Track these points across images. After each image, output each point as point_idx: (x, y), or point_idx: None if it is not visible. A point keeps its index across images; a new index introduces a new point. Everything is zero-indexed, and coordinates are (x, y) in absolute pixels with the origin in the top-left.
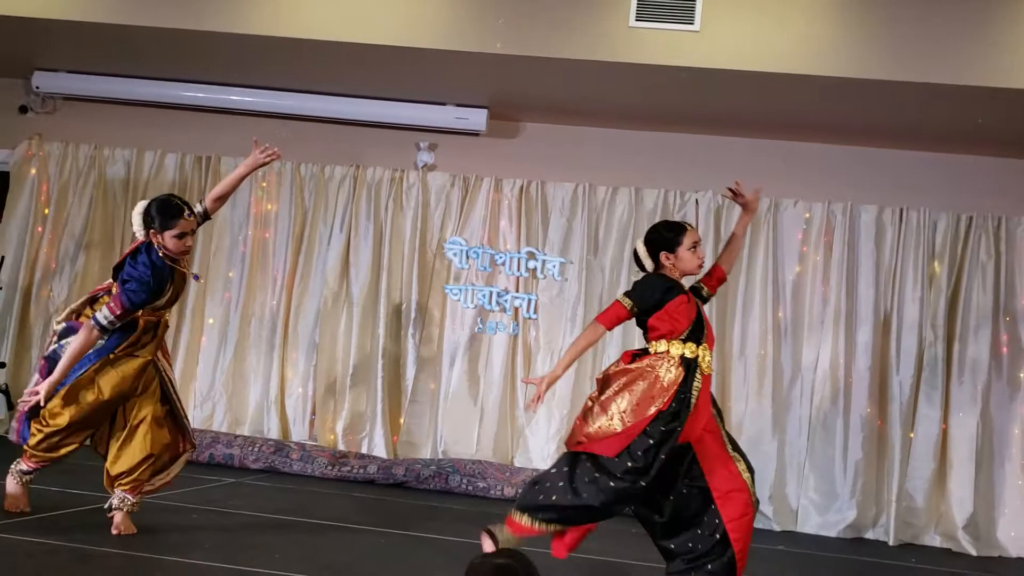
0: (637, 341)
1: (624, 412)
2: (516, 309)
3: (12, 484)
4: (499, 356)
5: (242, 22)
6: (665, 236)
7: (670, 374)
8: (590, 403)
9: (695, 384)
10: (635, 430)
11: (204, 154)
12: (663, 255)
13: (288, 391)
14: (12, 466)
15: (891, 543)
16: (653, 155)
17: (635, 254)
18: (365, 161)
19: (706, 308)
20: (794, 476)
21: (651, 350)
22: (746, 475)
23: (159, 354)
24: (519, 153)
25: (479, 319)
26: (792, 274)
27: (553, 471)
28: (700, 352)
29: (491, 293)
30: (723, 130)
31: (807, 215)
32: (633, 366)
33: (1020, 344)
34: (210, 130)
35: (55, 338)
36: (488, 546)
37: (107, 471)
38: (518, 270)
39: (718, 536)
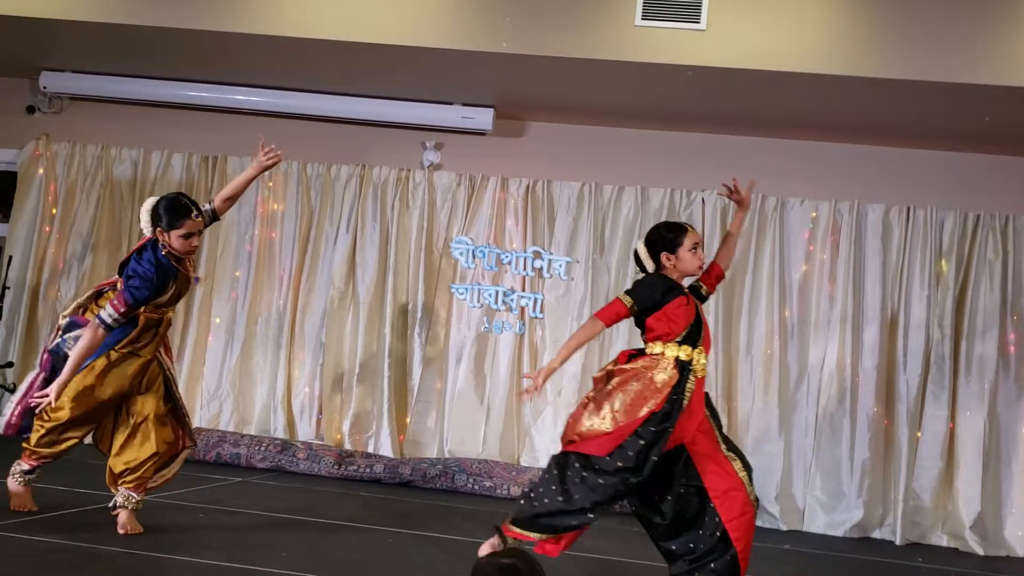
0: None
1: (616, 412)
2: (522, 308)
3: (14, 484)
4: (505, 355)
5: (249, 22)
6: (666, 237)
7: (664, 376)
8: (587, 401)
9: (688, 386)
10: (626, 431)
11: (211, 154)
12: (663, 256)
13: (294, 390)
14: (13, 467)
15: (898, 543)
16: (659, 154)
17: (636, 254)
18: (371, 160)
19: (711, 306)
20: (801, 475)
21: (647, 351)
22: (742, 473)
23: (162, 351)
24: (525, 152)
25: (485, 318)
26: (798, 273)
27: (544, 477)
28: (695, 355)
29: (497, 292)
30: (729, 129)
31: (813, 214)
32: (628, 366)
33: None
34: (217, 130)
35: (59, 332)
36: (487, 548)
37: (110, 468)
38: (524, 269)
39: (718, 535)
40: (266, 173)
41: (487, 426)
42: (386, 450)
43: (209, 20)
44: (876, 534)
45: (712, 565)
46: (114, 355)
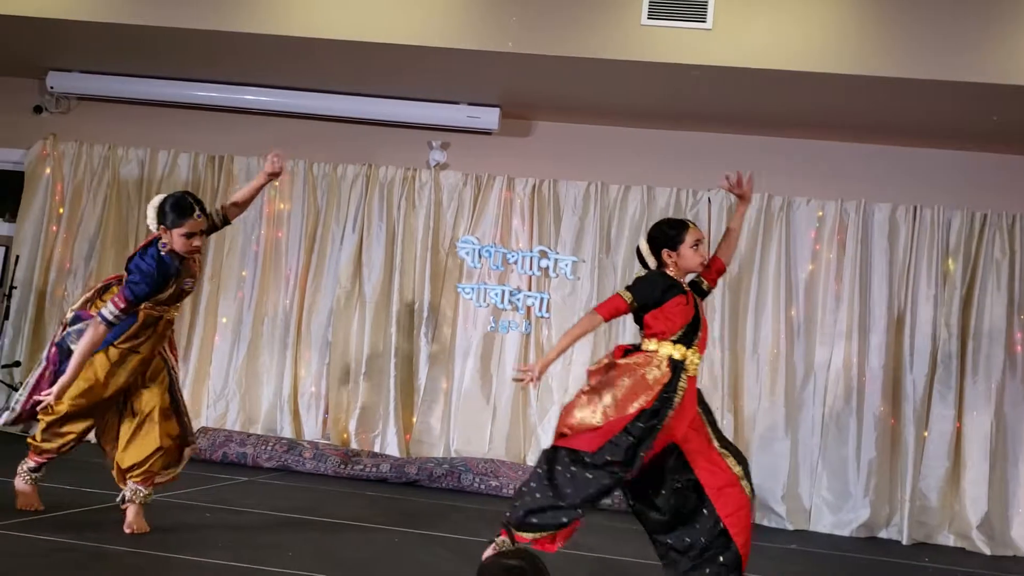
0: None
1: (607, 407)
2: (528, 308)
3: (21, 483)
4: (511, 355)
5: (255, 22)
6: (667, 234)
7: (656, 373)
8: (581, 393)
9: (680, 385)
10: (616, 426)
11: (217, 154)
12: (665, 253)
13: (301, 390)
14: (20, 466)
15: (904, 542)
16: (665, 153)
17: (638, 251)
18: (377, 160)
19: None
20: (807, 475)
21: (643, 347)
22: (737, 468)
23: (166, 348)
24: (531, 152)
25: (491, 318)
26: (805, 273)
27: (535, 473)
28: (688, 354)
29: (503, 292)
30: (735, 128)
31: (820, 213)
32: (622, 362)
33: None
34: (223, 130)
35: (65, 326)
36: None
37: (117, 464)
38: (530, 269)
39: (719, 530)
40: None
41: (493, 425)
42: (392, 449)
43: (215, 20)
44: (883, 534)
45: (721, 559)
46: (113, 351)
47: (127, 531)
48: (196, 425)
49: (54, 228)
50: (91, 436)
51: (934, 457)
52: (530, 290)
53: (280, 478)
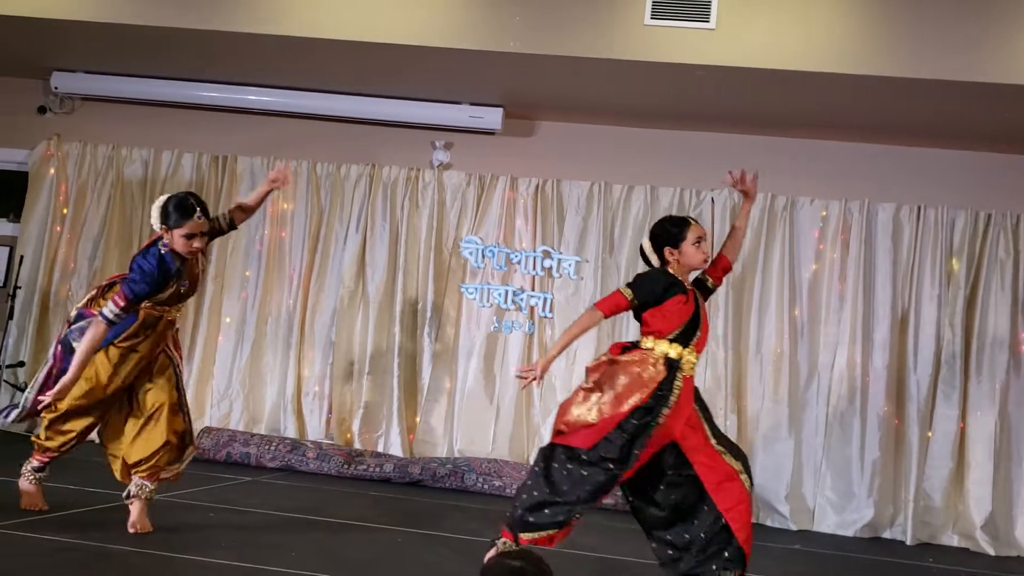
0: None
1: (603, 404)
2: (532, 308)
3: (25, 483)
4: (515, 355)
5: (258, 22)
6: (669, 231)
7: (651, 371)
8: (579, 389)
9: (676, 384)
10: (610, 423)
11: (221, 153)
12: (667, 250)
13: (304, 390)
14: (24, 466)
15: (908, 542)
16: (669, 153)
17: (642, 250)
18: (381, 160)
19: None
20: (811, 475)
21: (640, 345)
22: (735, 463)
23: (171, 346)
24: (534, 151)
25: (495, 318)
26: (808, 272)
27: (532, 471)
28: (685, 354)
29: (507, 292)
30: (739, 128)
31: (824, 213)
32: (618, 359)
33: None
34: (227, 130)
35: (69, 324)
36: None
37: (123, 460)
38: (534, 269)
39: (719, 527)
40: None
41: (497, 425)
42: (396, 449)
43: (219, 21)
44: (886, 534)
45: (725, 554)
46: (113, 351)
47: (131, 530)
48: (200, 425)
49: (58, 228)
50: (93, 435)
51: (938, 457)
52: (533, 290)
53: (284, 478)
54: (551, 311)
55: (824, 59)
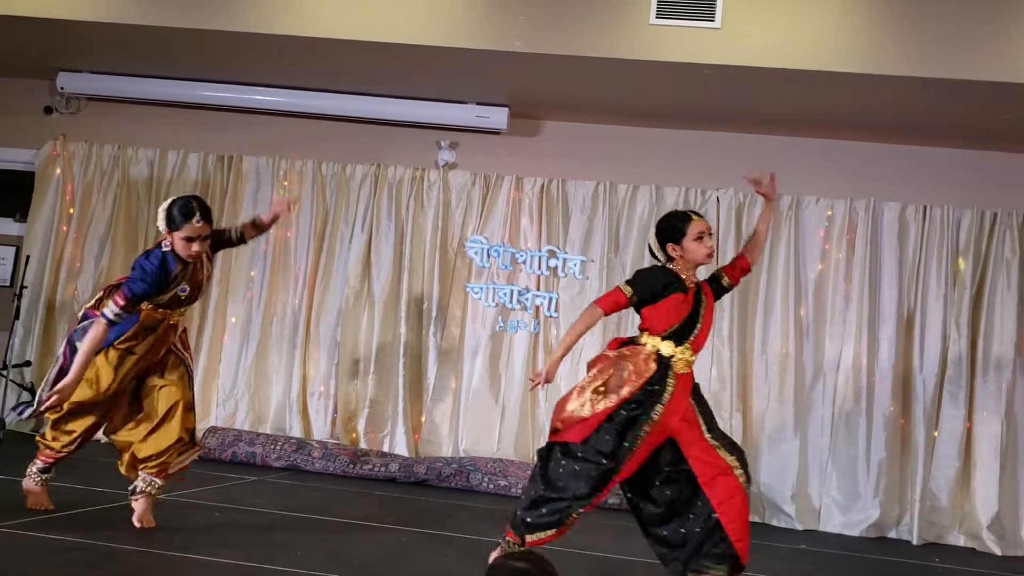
0: None
1: (595, 399)
2: (537, 307)
3: (31, 483)
4: (520, 354)
5: (263, 22)
6: (671, 226)
7: (641, 366)
8: (576, 386)
9: (668, 381)
10: (601, 416)
11: (227, 153)
12: (670, 247)
13: (310, 389)
14: (29, 467)
15: (915, 542)
16: (674, 153)
17: (649, 247)
18: (386, 160)
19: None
20: (816, 475)
21: (636, 340)
22: (730, 458)
23: (180, 346)
24: (540, 151)
25: (500, 317)
26: (814, 272)
27: (532, 473)
28: (678, 352)
29: (512, 292)
30: (744, 127)
31: (829, 212)
32: (612, 354)
33: None
34: (232, 130)
35: (77, 323)
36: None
37: (133, 454)
38: (539, 268)
39: (713, 522)
40: (281, 172)
41: (502, 425)
42: (401, 449)
43: (224, 21)
44: (893, 534)
45: (717, 550)
46: (113, 353)
47: (136, 524)
48: (205, 424)
49: (64, 228)
50: (99, 435)
51: (944, 457)
52: (539, 290)
53: (289, 477)
54: (556, 311)
55: (830, 58)
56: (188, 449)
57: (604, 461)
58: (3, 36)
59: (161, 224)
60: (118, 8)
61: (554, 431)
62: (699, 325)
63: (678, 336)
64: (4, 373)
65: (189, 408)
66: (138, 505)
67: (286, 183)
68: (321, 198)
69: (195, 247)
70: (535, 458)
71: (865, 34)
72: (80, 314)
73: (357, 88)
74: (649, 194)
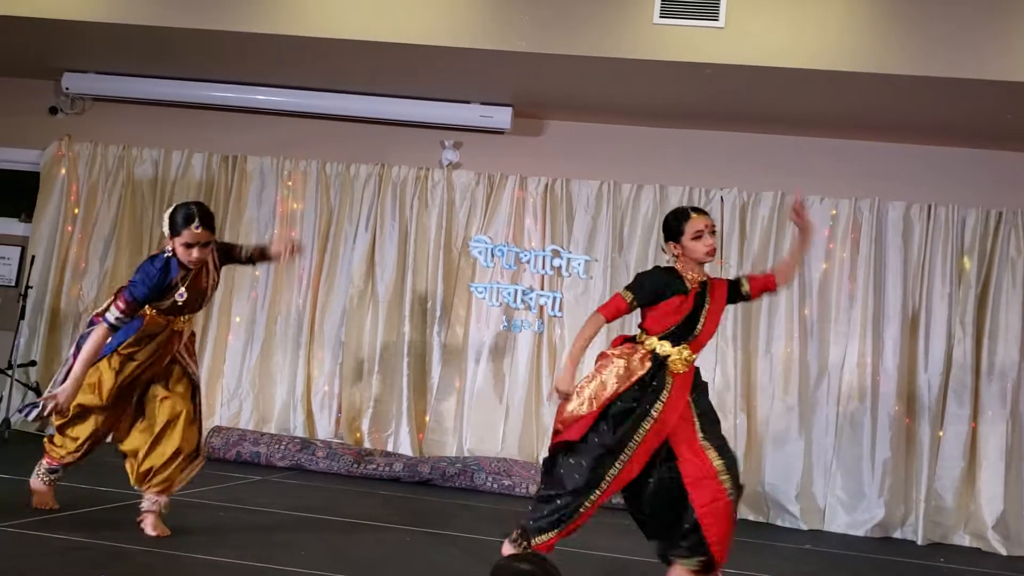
0: None
1: (592, 397)
2: (541, 307)
3: (38, 482)
4: (524, 354)
5: (268, 22)
6: (670, 225)
7: (635, 364)
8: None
9: (666, 380)
10: (596, 413)
11: (231, 153)
12: (671, 245)
13: (314, 389)
14: (37, 467)
15: (920, 542)
16: (678, 152)
17: (661, 245)
18: (390, 160)
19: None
20: (821, 475)
21: (636, 339)
22: (717, 462)
23: (185, 355)
24: (544, 151)
25: (504, 317)
26: (818, 271)
27: (540, 480)
28: (675, 351)
29: (516, 291)
30: (748, 127)
31: (833, 212)
32: (613, 352)
33: None
34: (236, 130)
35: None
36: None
37: (136, 469)
38: (543, 268)
39: (693, 521)
40: (285, 172)
41: (506, 425)
42: (405, 449)
43: (229, 21)
44: (897, 534)
45: (683, 544)
46: (115, 358)
47: (152, 533)
48: (210, 424)
49: (69, 228)
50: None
51: (949, 457)
52: (543, 289)
53: (293, 477)
54: (560, 310)
55: (833, 57)
56: (188, 464)
57: (601, 450)
58: (8, 37)
59: (165, 229)
60: (123, 9)
61: (555, 433)
62: (699, 326)
63: (675, 336)
64: (9, 373)
65: (192, 422)
66: (147, 523)
67: (290, 183)
68: (325, 198)
69: (195, 253)
70: (542, 467)
71: (868, 33)
72: (89, 320)
73: (361, 88)
74: (653, 194)
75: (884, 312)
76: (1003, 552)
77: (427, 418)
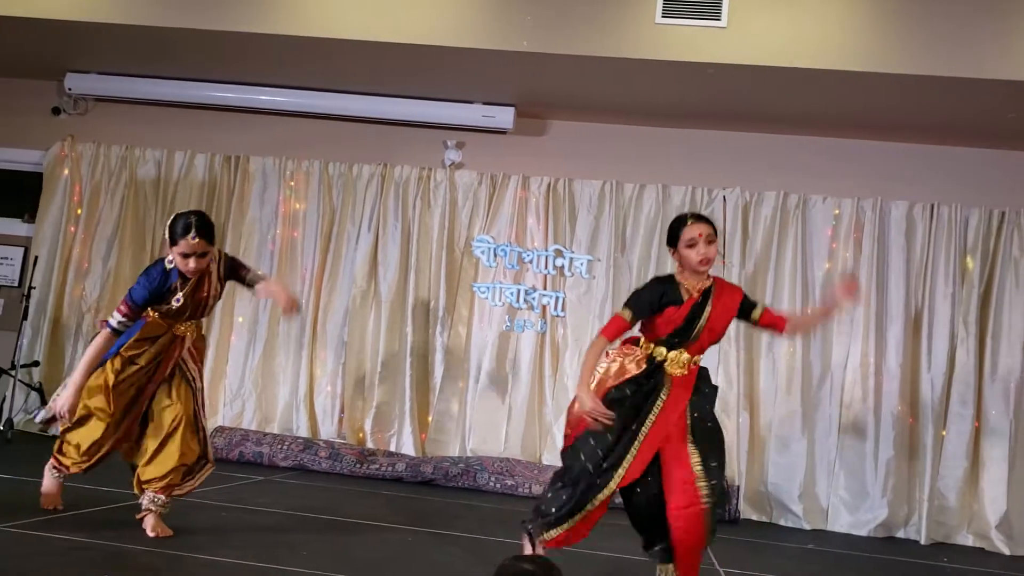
0: None
1: (592, 395)
2: (544, 307)
3: (50, 480)
4: (527, 354)
5: (270, 22)
6: (671, 231)
7: (631, 365)
8: None
9: (664, 380)
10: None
11: (233, 153)
12: (671, 251)
13: (317, 389)
14: (46, 468)
15: (923, 542)
16: (680, 152)
17: None
18: (393, 160)
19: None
20: (824, 475)
21: (636, 342)
22: (698, 468)
23: (189, 362)
24: (546, 151)
25: (507, 317)
26: (821, 271)
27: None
28: (670, 356)
29: (519, 291)
30: (751, 126)
31: (836, 211)
32: (611, 351)
33: None
34: (239, 130)
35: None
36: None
37: (138, 476)
38: (546, 268)
39: (667, 523)
40: (287, 172)
41: (509, 425)
42: (408, 449)
43: (231, 21)
44: (901, 534)
45: (659, 546)
46: (118, 360)
47: (151, 534)
48: (213, 424)
49: (72, 229)
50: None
51: (952, 456)
52: (545, 289)
53: (296, 477)
54: (563, 310)
55: (836, 57)
56: (190, 472)
57: (605, 433)
58: (11, 37)
59: (166, 237)
60: (125, 9)
61: (566, 438)
62: (694, 333)
63: (670, 342)
64: (12, 373)
65: (194, 428)
66: (147, 522)
67: (292, 183)
68: (328, 198)
69: (191, 263)
70: (542, 461)
71: (870, 33)
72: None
73: (363, 88)
74: (656, 193)
75: (887, 312)
76: (1006, 552)
77: (430, 418)
